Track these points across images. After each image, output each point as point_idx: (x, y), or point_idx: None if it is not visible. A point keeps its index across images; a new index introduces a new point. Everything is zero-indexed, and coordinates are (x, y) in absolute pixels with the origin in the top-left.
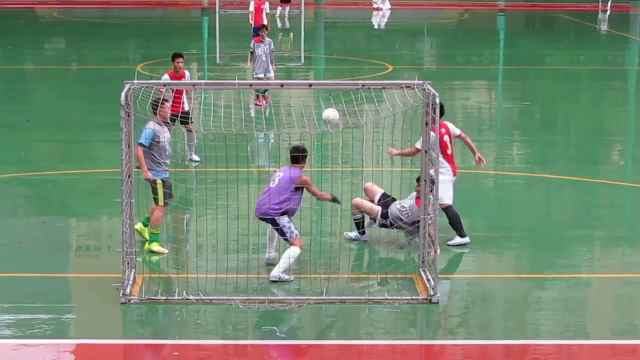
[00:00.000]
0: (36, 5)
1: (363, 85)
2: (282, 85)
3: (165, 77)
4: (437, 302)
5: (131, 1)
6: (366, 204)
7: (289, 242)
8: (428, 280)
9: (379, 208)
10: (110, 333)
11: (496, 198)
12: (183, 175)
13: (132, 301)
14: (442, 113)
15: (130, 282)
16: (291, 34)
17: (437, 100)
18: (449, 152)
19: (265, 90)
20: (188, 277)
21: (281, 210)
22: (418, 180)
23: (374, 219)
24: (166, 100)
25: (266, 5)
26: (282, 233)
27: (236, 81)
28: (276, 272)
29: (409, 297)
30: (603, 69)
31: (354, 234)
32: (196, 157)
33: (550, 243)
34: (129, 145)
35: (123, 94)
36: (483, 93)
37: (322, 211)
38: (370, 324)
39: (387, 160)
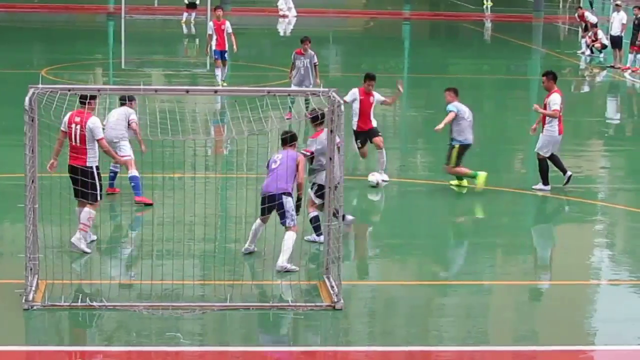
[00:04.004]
0: None
1: (269, 92)
2: (187, 92)
3: (353, 91)
4: (341, 309)
5: (37, 4)
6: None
7: (289, 228)
8: (332, 286)
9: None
10: (12, 340)
11: (400, 205)
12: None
13: (34, 307)
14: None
15: (34, 288)
16: (197, 40)
17: (342, 108)
18: None
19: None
20: (92, 283)
21: (287, 191)
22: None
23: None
24: None
25: (227, 25)
26: (283, 216)
27: (142, 87)
28: (283, 262)
29: (312, 304)
30: (506, 78)
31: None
32: (386, 177)
33: (452, 250)
34: (32, 150)
35: (27, 98)
36: None
37: (227, 218)
38: (274, 331)
39: None
